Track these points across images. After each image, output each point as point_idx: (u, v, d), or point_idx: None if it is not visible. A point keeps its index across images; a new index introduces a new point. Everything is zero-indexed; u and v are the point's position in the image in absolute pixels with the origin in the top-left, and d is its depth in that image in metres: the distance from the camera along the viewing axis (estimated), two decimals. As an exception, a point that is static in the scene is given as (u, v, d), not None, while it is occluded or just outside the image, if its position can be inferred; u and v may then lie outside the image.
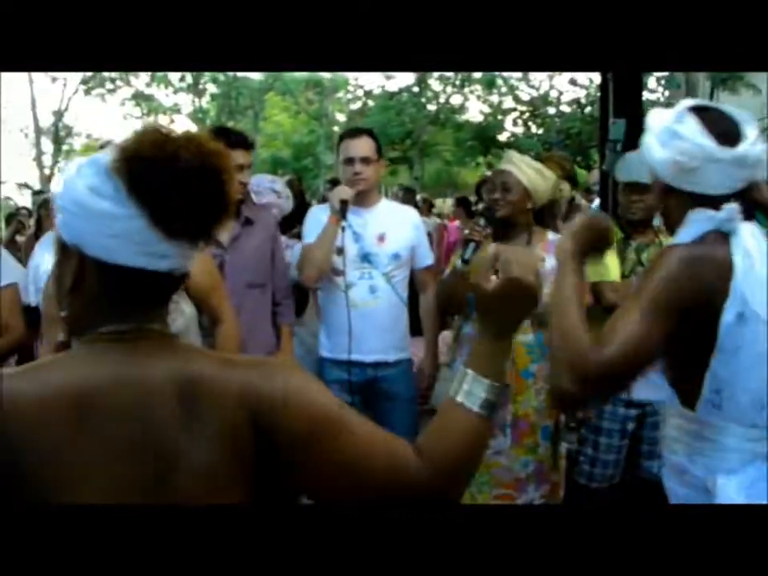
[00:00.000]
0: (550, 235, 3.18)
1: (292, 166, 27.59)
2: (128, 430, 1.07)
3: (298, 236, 4.96)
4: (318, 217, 3.38)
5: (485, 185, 8.78)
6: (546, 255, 3.08)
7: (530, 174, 3.07)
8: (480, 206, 8.59)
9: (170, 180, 1.07)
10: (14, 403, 1.04)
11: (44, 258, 3.30)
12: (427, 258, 3.53)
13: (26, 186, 24.00)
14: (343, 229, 3.22)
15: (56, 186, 1.17)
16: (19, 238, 8.17)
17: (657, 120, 1.86)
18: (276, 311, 3.41)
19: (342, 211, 3.20)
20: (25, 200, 23.33)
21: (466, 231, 3.03)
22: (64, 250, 1.15)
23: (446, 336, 3.75)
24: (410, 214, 3.59)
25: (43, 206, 9.07)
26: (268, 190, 3.90)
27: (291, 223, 4.21)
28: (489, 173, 16.61)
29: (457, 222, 7.72)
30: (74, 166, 1.15)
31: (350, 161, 3.32)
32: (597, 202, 9.62)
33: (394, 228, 3.36)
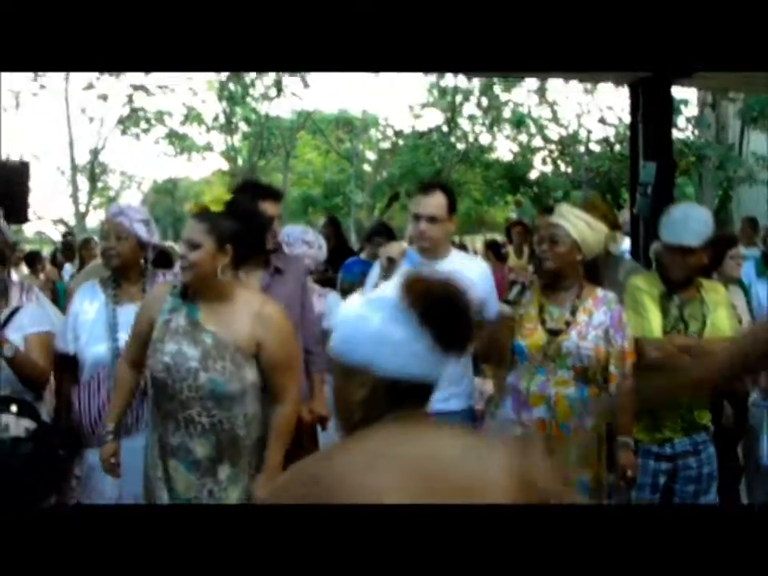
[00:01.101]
0: (600, 292, 3.18)
1: (322, 205, 27.80)
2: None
3: (332, 283, 5.02)
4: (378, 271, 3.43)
5: (514, 227, 8.80)
6: (595, 311, 3.10)
7: (579, 225, 3.05)
8: (510, 248, 8.63)
9: (448, 313, 1.44)
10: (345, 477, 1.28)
11: (83, 307, 3.37)
12: (495, 309, 3.54)
13: (62, 222, 24.45)
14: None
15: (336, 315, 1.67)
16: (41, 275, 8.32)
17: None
18: (307, 360, 3.44)
19: (389, 269, 3.20)
20: (58, 236, 23.85)
21: (512, 275, 3.05)
22: (350, 370, 1.44)
23: (477, 383, 3.75)
24: (479, 266, 3.62)
25: (84, 246, 9.28)
26: (299, 241, 3.95)
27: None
28: (514, 214, 16.60)
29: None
30: (360, 302, 1.49)
31: (417, 217, 3.35)
32: (627, 242, 9.63)
33: (464, 279, 3.37)
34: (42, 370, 3.30)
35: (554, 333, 3.06)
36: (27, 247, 12.08)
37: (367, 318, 1.43)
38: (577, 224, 3.05)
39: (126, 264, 3.36)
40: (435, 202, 3.36)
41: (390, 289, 1.47)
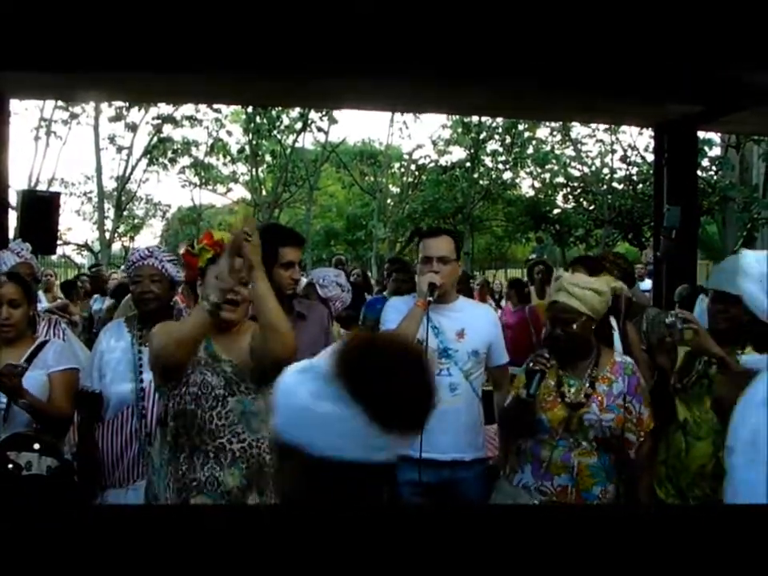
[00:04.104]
0: (617, 357, 3.16)
1: (344, 238, 27.95)
2: None
3: (353, 320, 5.03)
4: (396, 306, 3.44)
5: (535, 267, 8.76)
6: (614, 379, 3.08)
7: (586, 297, 3.00)
8: (531, 288, 8.61)
9: (385, 380, 1.20)
10: None
11: (109, 345, 3.40)
12: (503, 356, 3.55)
13: (87, 247, 24.72)
14: (428, 319, 3.24)
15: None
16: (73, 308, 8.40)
17: (756, 266, 1.84)
18: (330, 403, 3.43)
19: (430, 294, 3.20)
20: (84, 260, 24.10)
21: (530, 363, 3.01)
22: (285, 450, 1.27)
23: (489, 431, 3.73)
24: (487, 311, 3.63)
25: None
26: (333, 284, 3.98)
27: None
28: (534, 255, 16.55)
29: (509, 305, 7.72)
30: (289, 374, 1.30)
31: (427, 260, 3.35)
32: (648, 283, 9.59)
33: (472, 325, 3.39)
34: (62, 412, 3.31)
35: (574, 407, 3.02)
36: (51, 271, 12.22)
37: (295, 389, 1.25)
38: (584, 296, 3.00)
39: (161, 305, 3.40)
40: (444, 244, 3.39)
41: (326, 354, 1.28)
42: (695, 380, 3.14)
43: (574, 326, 3.00)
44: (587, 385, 3.04)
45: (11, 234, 6.64)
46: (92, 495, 3.34)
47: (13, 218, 7.40)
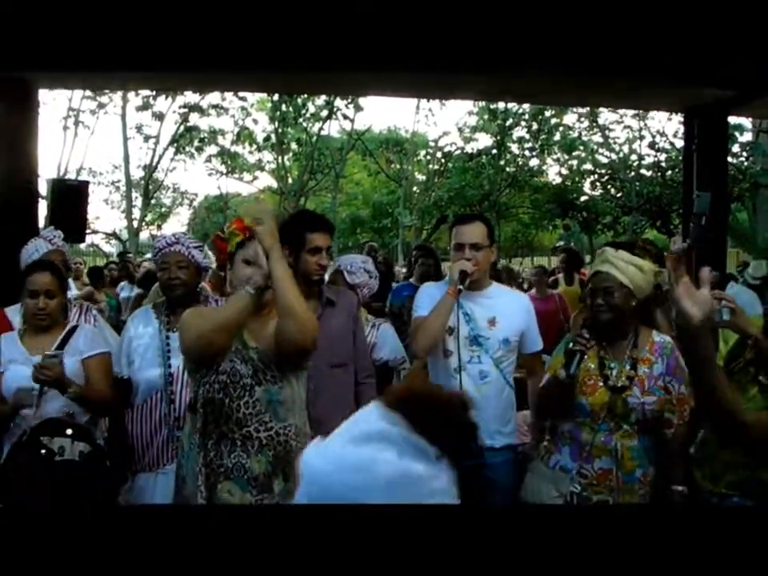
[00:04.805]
0: (656, 336, 3.11)
1: (370, 225, 27.95)
2: None
3: (382, 313, 5.03)
4: (429, 292, 3.42)
5: (563, 253, 8.67)
6: (654, 361, 3.05)
7: (630, 271, 2.97)
8: (559, 276, 8.55)
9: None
10: None
11: (138, 331, 3.43)
12: (537, 343, 3.52)
13: (115, 236, 24.95)
14: (460, 306, 3.22)
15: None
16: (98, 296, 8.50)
17: None
18: (358, 391, 3.45)
19: (461, 282, 3.19)
20: (112, 249, 24.32)
21: (571, 344, 2.98)
22: None
23: (526, 416, 3.72)
24: (520, 298, 3.60)
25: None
26: (361, 270, 3.97)
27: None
28: (561, 243, 16.44)
29: (534, 292, 7.68)
30: (338, 444, 1.22)
31: (460, 246, 3.33)
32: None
33: (504, 312, 3.36)
34: (103, 395, 3.35)
35: (617, 390, 2.98)
36: (80, 259, 12.36)
37: (373, 459, 1.13)
38: (627, 270, 2.97)
39: (188, 291, 3.42)
40: (478, 230, 3.36)
41: (373, 415, 1.19)
42: (742, 366, 3.10)
43: (615, 296, 2.96)
44: (628, 367, 3.01)
45: (41, 223, 6.71)
46: (123, 480, 3.38)
47: (43, 207, 7.49)
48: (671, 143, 22.11)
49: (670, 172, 22.27)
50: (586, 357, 2.92)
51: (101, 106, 22.06)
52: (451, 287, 3.22)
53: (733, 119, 13.45)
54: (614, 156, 24.40)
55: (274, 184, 26.86)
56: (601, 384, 3.00)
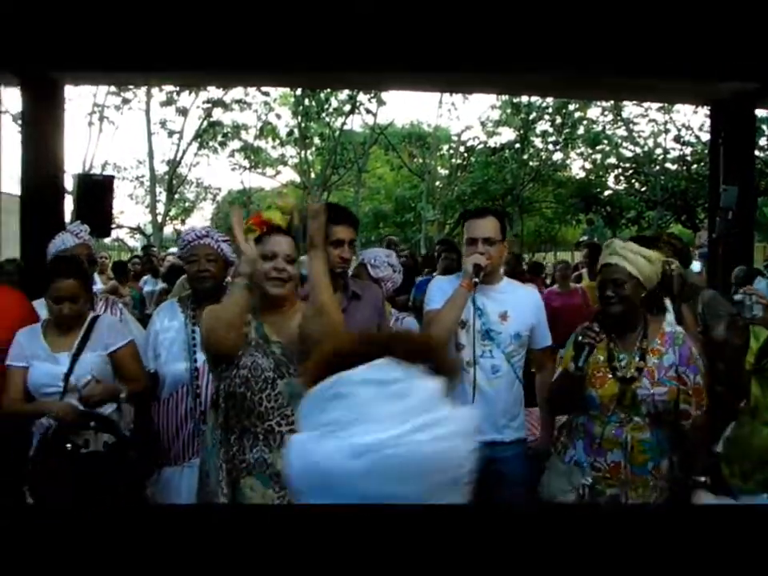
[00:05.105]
0: (666, 327, 3.10)
1: (393, 220, 27.94)
2: None
3: (406, 306, 5.04)
4: (440, 286, 3.42)
5: (586, 248, 8.61)
6: (664, 351, 3.03)
7: (638, 262, 2.97)
8: (582, 271, 8.51)
9: None
10: None
11: (163, 325, 3.45)
12: (546, 338, 3.50)
13: (139, 230, 25.14)
14: (473, 300, 3.22)
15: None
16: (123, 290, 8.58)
17: None
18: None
19: (475, 275, 3.18)
20: (136, 243, 24.52)
21: (580, 337, 2.98)
22: None
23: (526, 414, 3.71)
24: (531, 293, 3.59)
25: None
26: (385, 264, 3.97)
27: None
28: (585, 238, 16.40)
29: (557, 287, 7.65)
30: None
31: (473, 241, 3.31)
32: (698, 266, 9.41)
33: (516, 307, 3.35)
34: (142, 383, 3.38)
35: (626, 381, 2.97)
36: (105, 254, 12.48)
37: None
38: (636, 261, 2.96)
39: (216, 284, 3.43)
40: (490, 225, 3.34)
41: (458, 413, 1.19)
42: None
43: (625, 288, 2.96)
44: (637, 358, 2.99)
45: (67, 218, 6.78)
46: (149, 471, 3.41)
47: (69, 202, 7.56)
48: (697, 136, 21.93)
49: (695, 166, 22.07)
50: (595, 349, 2.91)
51: (125, 101, 22.20)
52: (466, 281, 3.21)
53: (761, 112, 13.31)
54: (638, 150, 24.22)
55: (297, 178, 26.92)
56: (610, 376, 3.00)
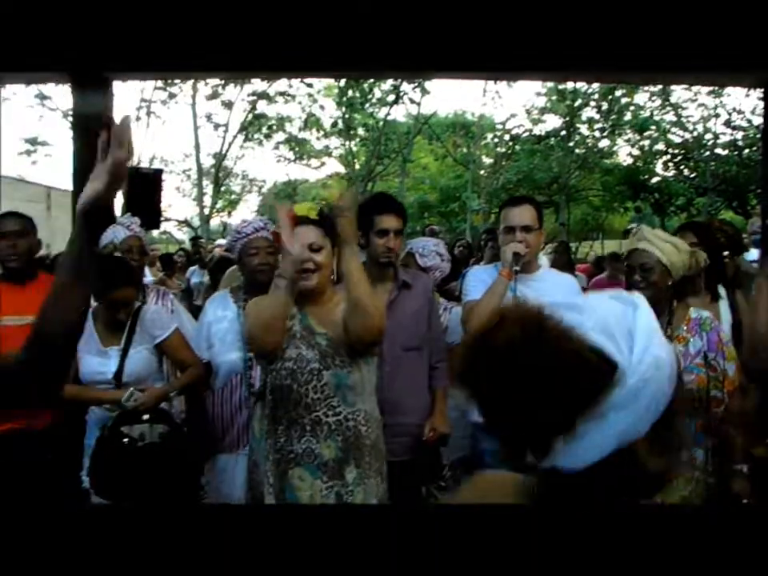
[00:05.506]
0: (693, 312, 3.04)
1: (438, 210, 27.84)
2: None
3: (454, 296, 5.02)
4: (478, 276, 3.41)
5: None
6: (690, 338, 2.98)
7: (666, 249, 2.94)
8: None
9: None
10: None
11: (216, 315, 3.48)
12: None
13: (187, 223, 25.42)
14: (513, 289, 3.21)
15: None
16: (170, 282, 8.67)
17: None
18: (431, 374, 3.44)
19: (515, 263, 3.18)
20: (184, 236, 24.80)
21: None
22: None
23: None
24: (569, 281, 3.56)
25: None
26: (433, 254, 3.96)
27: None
28: (633, 226, 16.17)
29: (605, 275, 7.58)
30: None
31: (510, 230, 3.30)
32: (754, 253, 9.18)
33: (555, 295, 3.31)
34: (197, 368, 3.42)
35: None
36: (156, 246, 12.64)
37: None
38: (664, 248, 2.92)
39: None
40: (527, 213, 3.33)
41: None
42: None
43: (653, 273, 2.92)
44: None
45: (118, 211, 6.86)
46: (204, 460, 3.45)
47: (118, 196, 7.63)
48: (749, 120, 21.41)
49: (747, 151, 21.58)
50: None
51: (171, 96, 22.46)
52: (505, 269, 3.20)
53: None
54: (687, 135, 23.75)
55: (342, 169, 26.96)
56: None
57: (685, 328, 2.99)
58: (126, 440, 3.15)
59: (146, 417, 3.21)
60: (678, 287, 3.03)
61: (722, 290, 3.56)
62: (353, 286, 2.62)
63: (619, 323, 1.15)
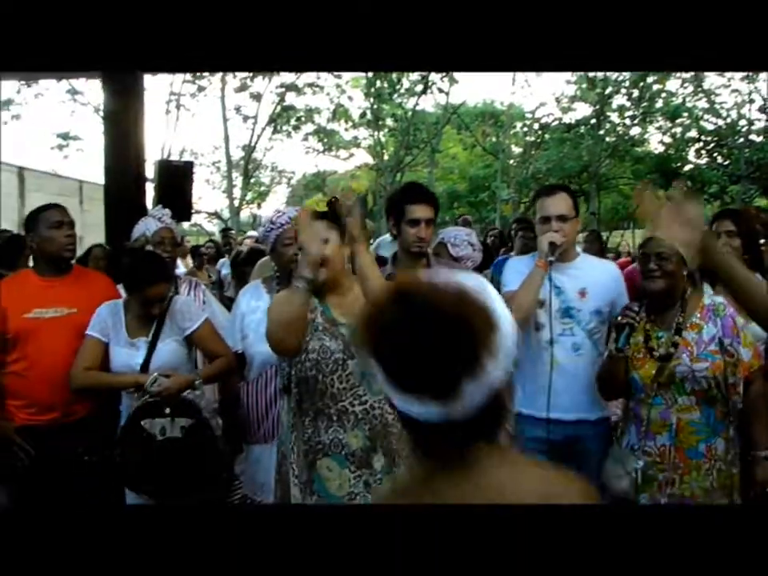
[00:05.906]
0: (706, 299, 3.01)
1: (467, 200, 27.76)
2: None
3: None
4: (516, 266, 3.40)
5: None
6: (704, 324, 2.95)
7: None
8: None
9: (395, 340, 1.15)
10: None
11: (249, 306, 3.49)
12: None
13: (217, 215, 25.59)
14: (550, 279, 3.20)
15: None
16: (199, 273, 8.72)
17: None
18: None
19: (551, 253, 3.15)
20: (214, 228, 24.96)
21: (619, 317, 2.91)
22: None
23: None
24: (609, 268, 3.53)
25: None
26: (465, 243, 3.95)
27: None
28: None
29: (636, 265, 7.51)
30: None
31: (546, 219, 3.27)
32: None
33: (594, 283, 3.30)
34: (228, 358, 3.40)
35: (663, 359, 2.90)
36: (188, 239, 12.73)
37: None
38: None
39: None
40: (563, 202, 3.29)
41: None
42: None
43: (670, 262, 2.89)
44: (674, 333, 2.92)
45: (149, 204, 6.93)
46: (238, 449, 3.47)
47: (150, 188, 7.72)
48: (784, 106, 21.09)
49: (782, 137, 21.28)
50: (635, 329, 2.85)
51: (200, 89, 22.58)
52: (541, 260, 3.17)
53: None
54: (720, 122, 23.42)
55: (371, 160, 26.97)
56: (648, 356, 2.93)
57: (698, 315, 2.96)
58: (144, 434, 3.13)
59: (167, 410, 3.19)
60: (711, 275, 2.99)
61: (758, 277, 3.53)
62: (367, 283, 2.64)
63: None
